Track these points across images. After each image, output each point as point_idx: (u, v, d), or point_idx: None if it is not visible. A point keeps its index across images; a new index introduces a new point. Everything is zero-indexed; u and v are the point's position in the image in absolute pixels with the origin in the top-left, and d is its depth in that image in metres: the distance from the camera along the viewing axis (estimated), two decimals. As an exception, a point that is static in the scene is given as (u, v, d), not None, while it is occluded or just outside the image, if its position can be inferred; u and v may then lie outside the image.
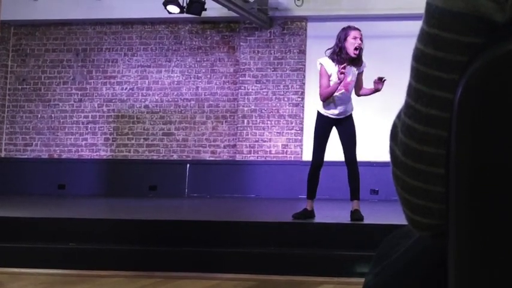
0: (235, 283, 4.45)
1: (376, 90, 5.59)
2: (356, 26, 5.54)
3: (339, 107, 5.54)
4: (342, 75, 5.32)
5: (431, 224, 0.71)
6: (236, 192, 9.55)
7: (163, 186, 9.81)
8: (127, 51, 10.42)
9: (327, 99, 5.49)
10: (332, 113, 5.55)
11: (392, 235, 0.97)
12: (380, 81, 5.53)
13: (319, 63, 5.58)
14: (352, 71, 5.52)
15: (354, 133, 5.57)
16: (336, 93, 5.47)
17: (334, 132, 5.62)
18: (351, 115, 5.60)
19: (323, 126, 5.57)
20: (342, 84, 5.41)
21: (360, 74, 5.60)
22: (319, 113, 5.62)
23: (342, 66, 5.34)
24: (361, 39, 5.44)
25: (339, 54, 5.42)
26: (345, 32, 5.45)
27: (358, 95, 5.70)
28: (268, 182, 9.49)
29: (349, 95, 5.58)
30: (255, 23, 9.66)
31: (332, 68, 5.48)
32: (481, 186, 0.62)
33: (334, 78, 5.44)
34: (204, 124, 10.07)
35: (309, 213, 5.66)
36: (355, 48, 5.39)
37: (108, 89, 10.40)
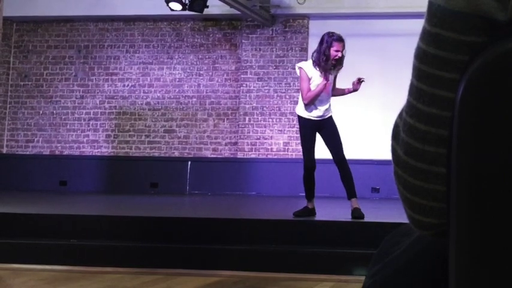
0: (235, 280, 4.46)
1: (354, 90, 5.73)
2: (340, 36, 5.58)
3: (320, 108, 5.61)
4: (327, 81, 5.50)
5: (433, 223, 0.71)
6: (237, 189, 9.55)
7: (164, 183, 9.81)
8: (129, 48, 10.42)
9: (311, 102, 5.55)
10: (314, 114, 5.62)
11: (393, 233, 0.98)
12: (359, 82, 5.63)
13: (299, 67, 5.69)
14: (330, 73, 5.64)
15: (337, 133, 5.63)
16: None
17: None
18: (331, 116, 5.67)
19: (307, 129, 5.63)
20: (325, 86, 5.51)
21: (335, 76, 5.69)
22: (301, 117, 5.69)
23: (329, 71, 5.52)
24: (342, 49, 5.53)
25: (326, 63, 5.51)
26: (330, 41, 5.53)
27: (333, 94, 5.75)
28: (270, 179, 9.49)
29: (329, 96, 5.65)
30: (257, 20, 9.66)
31: (312, 72, 5.55)
32: (482, 185, 0.62)
33: (315, 81, 5.52)
34: (206, 121, 10.07)
35: (310, 211, 5.68)
36: (334, 59, 5.50)
37: (109, 86, 10.40)
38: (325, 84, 5.49)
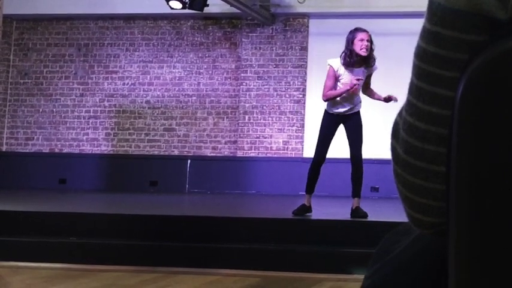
0: (235, 279, 4.46)
1: (384, 100, 5.65)
2: (363, 28, 5.55)
3: (346, 105, 5.57)
4: (355, 86, 5.41)
5: (432, 222, 0.71)
6: (237, 188, 9.55)
7: (164, 181, 9.81)
8: (129, 46, 10.42)
9: (329, 100, 5.54)
10: (339, 111, 5.58)
11: (392, 232, 0.97)
12: (389, 99, 5.58)
13: (328, 64, 5.62)
14: (362, 71, 5.54)
15: (360, 130, 5.57)
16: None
17: (339, 130, 5.63)
18: (358, 112, 5.61)
19: (329, 124, 5.58)
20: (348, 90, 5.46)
21: (369, 76, 5.62)
22: (326, 112, 5.65)
23: (357, 78, 5.41)
24: (369, 40, 5.46)
25: (350, 57, 5.46)
26: (352, 34, 5.50)
27: (364, 93, 5.71)
28: (269, 178, 9.49)
29: (356, 95, 5.59)
30: (257, 19, 9.65)
31: (341, 69, 5.50)
32: (481, 184, 0.62)
33: (344, 79, 5.48)
34: (205, 120, 10.07)
35: (307, 208, 5.67)
36: (363, 50, 5.43)
37: (109, 84, 10.40)
38: (352, 87, 5.41)
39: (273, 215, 6.03)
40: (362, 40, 5.43)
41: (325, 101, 5.60)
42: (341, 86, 5.50)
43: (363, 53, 5.42)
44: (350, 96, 5.54)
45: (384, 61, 8.99)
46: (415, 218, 0.72)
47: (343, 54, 5.53)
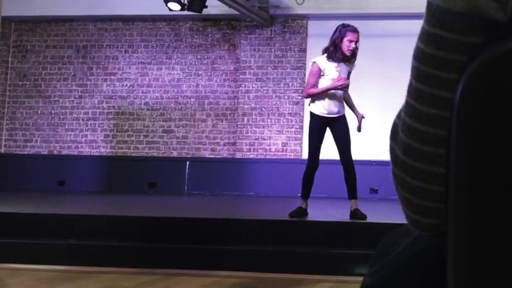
0: (233, 280, 4.46)
1: (358, 119, 5.68)
2: (355, 27, 5.53)
3: (330, 103, 5.52)
4: (345, 82, 5.40)
5: (432, 224, 0.71)
6: (235, 190, 9.55)
7: (163, 183, 9.81)
8: (127, 48, 10.42)
9: (310, 97, 5.53)
10: (324, 109, 5.52)
11: (392, 233, 0.97)
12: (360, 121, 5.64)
13: (313, 61, 5.62)
14: (346, 69, 5.54)
15: (347, 132, 5.55)
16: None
17: (329, 132, 5.62)
18: (344, 116, 5.59)
19: (318, 127, 5.53)
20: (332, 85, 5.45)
21: (349, 73, 5.61)
22: (312, 114, 5.60)
23: (344, 83, 5.40)
24: (357, 41, 5.46)
25: (334, 52, 5.44)
26: (343, 32, 5.46)
27: (345, 100, 5.69)
28: (268, 180, 9.49)
29: (342, 93, 5.57)
30: (256, 20, 9.66)
31: (326, 65, 5.50)
32: (481, 185, 0.62)
33: (330, 75, 5.47)
34: (204, 122, 10.07)
35: (304, 211, 5.67)
36: (350, 50, 5.43)
37: (108, 86, 10.40)
38: (342, 83, 5.40)
39: (272, 217, 6.03)
40: (351, 42, 5.43)
41: (306, 97, 5.61)
42: (331, 82, 5.47)
43: (348, 53, 5.44)
44: (335, 94, 5.50)
45: (382, 62, 9.04)
46: (414, 219, 0.72)
47: (329, 47, 5.50)
